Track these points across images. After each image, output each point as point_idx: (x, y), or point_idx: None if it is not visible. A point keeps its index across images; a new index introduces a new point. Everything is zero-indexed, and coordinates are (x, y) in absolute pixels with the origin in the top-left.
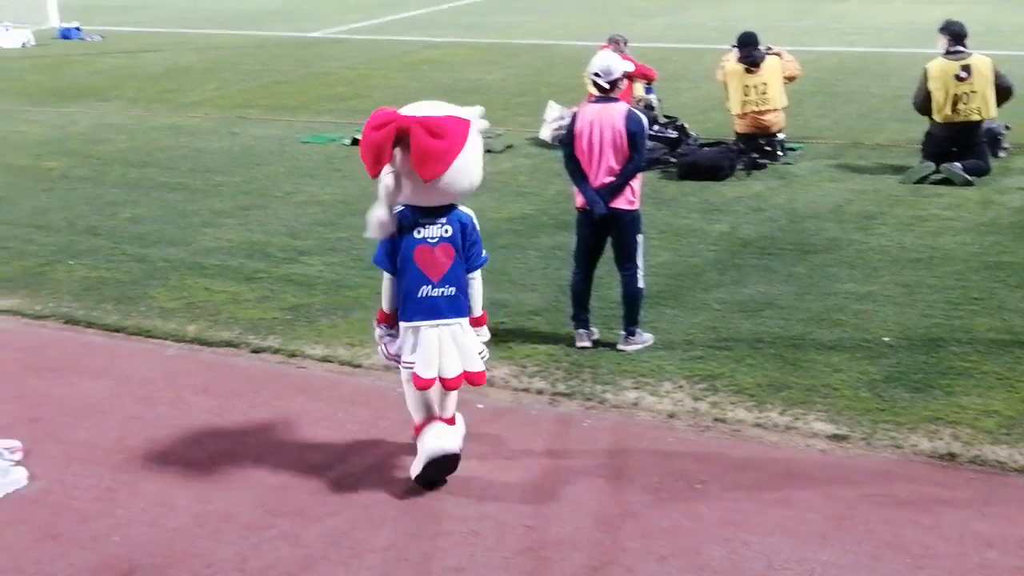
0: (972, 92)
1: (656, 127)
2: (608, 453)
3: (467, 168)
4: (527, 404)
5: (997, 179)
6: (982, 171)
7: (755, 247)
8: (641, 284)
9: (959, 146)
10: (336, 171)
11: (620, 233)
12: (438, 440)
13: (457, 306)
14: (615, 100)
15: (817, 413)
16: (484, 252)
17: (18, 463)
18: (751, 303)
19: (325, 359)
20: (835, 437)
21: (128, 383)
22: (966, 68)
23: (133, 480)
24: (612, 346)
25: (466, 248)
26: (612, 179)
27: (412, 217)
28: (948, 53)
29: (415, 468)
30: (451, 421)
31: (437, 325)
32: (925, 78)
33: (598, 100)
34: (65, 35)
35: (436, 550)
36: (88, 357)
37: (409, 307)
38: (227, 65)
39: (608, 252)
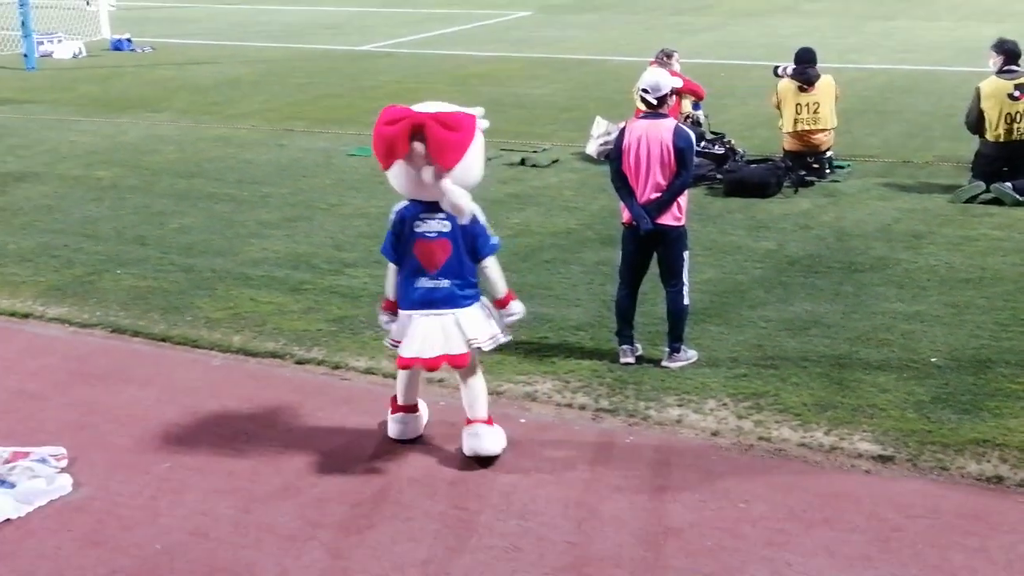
0: None
1: (703, 143)
2: (651, 470)
3: (474, 164)
4: (570, 420)
5: None
6: None
7: (802, 265)
8: (686, 301)
9: (1010, 165)
10: (381, 184)
11: (666, 249)
12: (401, 426)
13: (452, 298)
14: (663, 116)
15: (863, 433)
16: (493, 239)
17: (63, 470)
18: (797, 321)
19: (369, 371)
20: (881, 458)
21: (173, 392)
22: (1020, 87)
23: (176, 489)
24: (656, 363)
25: (468, 242)
26: (659, 195)
27: (415, 211)
28: (1001, 72)
29: (390, 430)
30: (489, 421)
31: (429, 315)
32: (978, 97)
33: (646, 116)
34: (117, 47)
35: (478, 564)
36: (134, 366)
37: (407, 297)
38: (276, 78)
39: (653, 268)
